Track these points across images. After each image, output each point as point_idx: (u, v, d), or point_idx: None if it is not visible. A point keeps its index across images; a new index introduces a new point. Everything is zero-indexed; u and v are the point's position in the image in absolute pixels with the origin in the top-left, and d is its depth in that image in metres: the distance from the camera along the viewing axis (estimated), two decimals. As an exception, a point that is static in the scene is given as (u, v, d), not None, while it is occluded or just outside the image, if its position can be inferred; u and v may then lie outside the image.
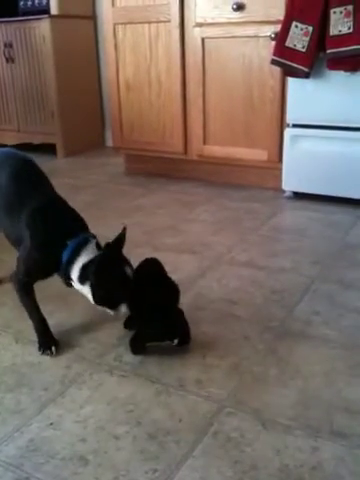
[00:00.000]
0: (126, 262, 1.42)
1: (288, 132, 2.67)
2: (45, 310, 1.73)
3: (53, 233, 1.45)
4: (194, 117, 3.02)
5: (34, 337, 1.57)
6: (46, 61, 3.78)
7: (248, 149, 2.89)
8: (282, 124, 2.74)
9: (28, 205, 1.47)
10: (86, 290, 1.41)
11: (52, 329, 1.62)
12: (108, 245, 1.37)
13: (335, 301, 1.73)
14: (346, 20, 2.30)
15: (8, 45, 3.89)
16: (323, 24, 2.38)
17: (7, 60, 3.94)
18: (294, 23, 2.44)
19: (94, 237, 1.47)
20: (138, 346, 1.48)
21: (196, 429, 1.20)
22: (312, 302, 1.73)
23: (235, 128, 2.91)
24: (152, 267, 1.50)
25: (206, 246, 2.23)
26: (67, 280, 1.46)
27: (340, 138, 2.55)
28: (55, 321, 1.66)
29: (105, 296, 1.39)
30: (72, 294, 1.81)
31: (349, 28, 2.31)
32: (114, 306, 1.40)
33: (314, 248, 2.17)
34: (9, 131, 4.16)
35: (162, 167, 3.33)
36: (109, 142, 4.15)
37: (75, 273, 1.41)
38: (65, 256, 1.41)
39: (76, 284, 1.43)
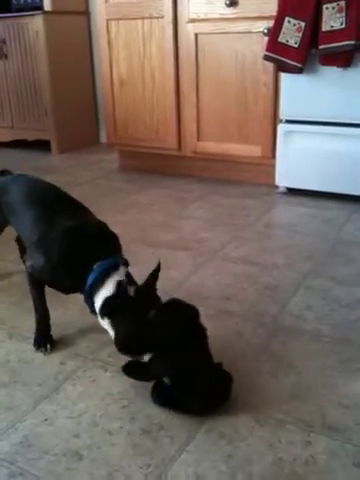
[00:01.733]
0: (155, 304, 1.27)
1: (281, 128, 2.68)
2: (39, 307, 1.73)
3: (79, 254, 1.34)
4: (188, 113, 3.02)
5: (28, 333, 1.57)
6: (39, 57, 3.77)
7: (242, 145, 2.90)
8: (275, 120, 2.75)
9: (58, 225, 1.38)
10: (106, 326, 1.31)
11: (46, 326, 1.62)
12: (138, 287, 1.28)
13: (328, 296, 1.74)
14: (338, 15, 2.31)
15: (1, 41, 3.87)
16: (316, 20, 2.38)
17: (0, 56, 3.92)
18: (287, 19, 2.44)
19: (125, 263, 1.36)
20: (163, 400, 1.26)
21: (190, 424, 1.20)
22: (305, 297, 1.74)
23: (228, 124, 2.91)
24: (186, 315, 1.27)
25: (200, 242, 2.23)
26: (91, 308, 1.35)
27: (333, 134, 2.56)
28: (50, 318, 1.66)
29: (126, 345, 1.27)
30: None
31: (341, 24, 2.32)
32: (135, 355, 1.27)
33: (307, 244, 2.18)
34: (3, 128, 4.15)
35: (156, 163, 3.33)
36: (103, 138, 4.15)
37: (97, 303, 1.31)
38: (89, 281, 1.31)
39: (98, 315, 1.33)
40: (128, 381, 1.35)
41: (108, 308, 1.28)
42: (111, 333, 1.30)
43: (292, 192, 2.79)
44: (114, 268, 1.31)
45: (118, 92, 3.23)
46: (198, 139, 3.03)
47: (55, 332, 1.58)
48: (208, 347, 1.24)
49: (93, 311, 1.35)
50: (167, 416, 1.23)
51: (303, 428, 1.18)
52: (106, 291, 1.29)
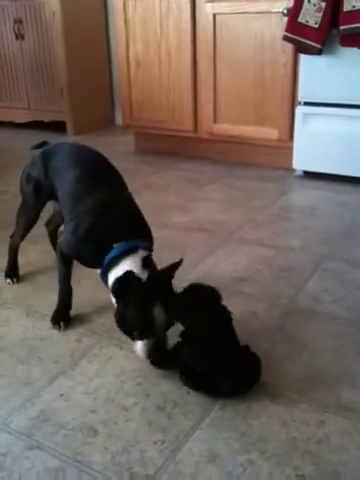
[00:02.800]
0: (164, 300, 1.24)
1: (299, 110, 2.65)
2: (55, 285, 1.74)
3: (103, 230, 1.37)
4: (204, 95, 2.99)
5: (45, 311, 1.59)
6: (56, 38, 3.75)
7: (259, 127, 2.87)
8: (293, 102, 2.71)
9: (95, 195, 1.42)
10: (114, 302, 1.33)
11: (62, 304, 1.64)
12: (150, 274, 1.27)
13: (344, 279, 1.73)
14: (360, -5, 2.26)
15: (18, 21, 3.85)
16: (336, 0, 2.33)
17: (17, 37, 3.91)
18: (307, -2, 2.40)
19: (147, 248, 1.36)
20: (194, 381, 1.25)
21: (204, 402, 1.21)
22: (321, 280, 1.73)
23: (246, 106, 2.88)
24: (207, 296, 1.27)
25: (215, 224, 2.23)
26: (105, 284, 1.37)
27: (353, 116, 2.52)
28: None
29: (122, 324, 1.29)
30: (83, 270, 1.83)
31: (364, 3, 2.27)
32: (131, 338, 1.28)
33: (324, 227, 2.16)
34: (20, 109, 4.14)
35: (172, 145, 3.32)
36: (119, 120, 4.13)
37: (109, 281, 1.33)
38: (106, 260, 1.33)
39: (110, 291, 1.34)
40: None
41: (116, 288, 1.28)
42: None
43: (309, 175, 2.76)
44: (133, 250, 1.32)
45: (134, 73, 3.21)
46: (214, 121, 3.01)
47: (72, 310, 1.60)
48: (234, 329, 1.25)
49: (106, 285, 1.38)
50: (181, 393, 1.24)
51: (317, 408, 1.18)
52: (119, 271, 1.29)
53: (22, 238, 1.76)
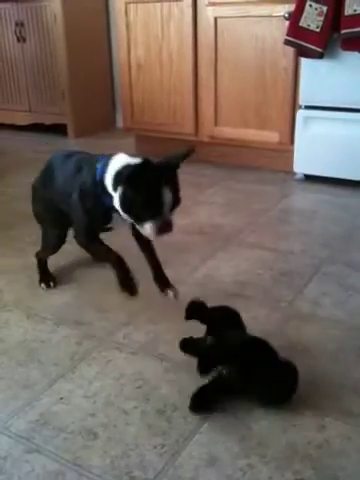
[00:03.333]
0: (168, 176, 1.32)
1: (300, 114, 2.65)
2: (56, 288, 1.76)
3: (88, 167, 1.43)
4: (205, 98, 3.00)
5: (45, 314, 1.59)
6: (57, 41, 3.76)
7: (259, 131, 2.87)
8: (294, 106, 2.72)
9: (78, 175, 1.47)
10: (116, 199, 1.33)
11: (62, 306, 1.64)
12: (147, 158, 1.31)
13: (344, 283, 1.73)
14: (362, -1, 2.26)
15: (19, 24, 3.86)
16: (338, 3, 2.33)
17: (18, 39, 3.92)
18: (308, 3, 2.40)
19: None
20: (204, 403, 1.22)
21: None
22: (321, 283, 1.73)
23: (247, 109, 2.88)
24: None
25: (216, 227, 2.23)
26: (110, 199, 1.35)
27: (353, 120, 2.52)
28: (66, 299, 1.68)
29: (130, 206, 1.31)
30: (83, 273, 1.83)
31: (365, 7, 2.27)
32: (140, 220, 1.32)
33: (324, 231, 2.16)
34: (21, 111, 4.15)
35: (173, 148, 3.30)
36: (120, 123, 4.14)
37: (109, 184, 1.34)
38: (98, 174, 1.36)
39: (113, 193, 1.34)
40: (143, 363, 1.36)
41: (123, 175, 1.29)
42: (118, 207, 1.34)
43: (310, 179, 2.76)
44: (114, 155, 1.37)
45: (135, 76, 3.21)
46: (215, 124, 3.01)
47: (70, 313, 1.60)
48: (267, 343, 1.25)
49: (112, 202, 1.36)
50: (181, 397, 1.23)
51: (317, 412, 1.18)
52: (112, 168, 1.33)
53: (48, 256, 1.80)
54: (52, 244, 1.73)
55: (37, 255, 1.80)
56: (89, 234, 1.49)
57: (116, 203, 1.34)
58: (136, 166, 1.28)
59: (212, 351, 1.26)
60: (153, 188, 1.28)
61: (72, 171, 1.49)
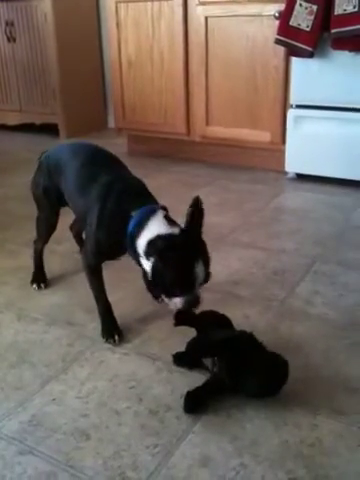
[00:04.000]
0: (201, 251, 1.27)
1: (291, 113, 2.65)
2: (48, 289, 1.75)
3: (117, 206, 1.35)
4: (197, 98, 3.00)
5: (37, 315, 1.59)
6: (48, 40, 3.75)
7: (251, 130, 2.88)
8: (285, 105, 2.72)
9: (100, 180, 1.41)
10: (148, 267, 1.28)
11: (54, 307, 1.63)
12: (184, 228, 1.26)
13: (336, 281, 1.74)
14: (351, -2, 2.27)
15: (9, 24, 3.85)
16: (328, 3, 2.34)
17: (8, 39, 3.90)
18: (298, 2, 2.41)
19: (163, 208, 1.35)
20: (197, 403, 1.21)
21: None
22: (313, 282, 1.74)
23: (238, 109, 2.89)
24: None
25: (208, 227, 2.20)
26: (135, 254, 1.32)
27: (344, 119, 2.53)
28: (58, 300, 1.68)
29: (161, 281, 1.25)
30: (75, 273, 1.83)
31: (354, 7, 2.28)
32: (168, 295, 1.27)
33: (316, 229, 2.17)
34: (11, 111, 4.13)
35: (165, 148, 3.32)
36: (112, 123, 4.13)
37: (141, 248, 1.28)
38: (130, 227, 1.30)
39: (143, 259, 1.29)
40: (136, 363, 1.36)
41: (152, 248, 1.25)
42: (149, 275, 1.29)
43: (301, 178, 2.77)
44: (153, 212, 1.30)
45: (127, 75, 3.21)
46: (207, 124, 3.01)
47: (63, 313, 1.59)
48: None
49: (137, 258, 1.32)
50: (174, 397, 1.23)
51: (309, 411, 1.18)
52: (148, 233, 1.27)
53: (44, 244, 1.76)
54: (45, 228, 1.71)
55: (35, 246, 1.78)
56: (94, 260, 1.44)
57: (146, 268, 1.29)
58: (171, 240, 1.23)
59: (197, 343, 1.28)
60: (187, 266, 1.23)
61: (98, 192, 1.40)
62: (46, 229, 1.71)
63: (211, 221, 2.32)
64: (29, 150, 3.62)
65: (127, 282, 1.74)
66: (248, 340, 1.24)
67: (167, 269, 1.23)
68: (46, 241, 1.75)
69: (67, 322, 1.55)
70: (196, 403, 1.20)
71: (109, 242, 1.38)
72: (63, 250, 2.01)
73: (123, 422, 1.17)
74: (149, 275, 1.28)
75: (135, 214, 1.31)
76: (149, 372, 1.32)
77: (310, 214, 2.33)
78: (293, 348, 1.40)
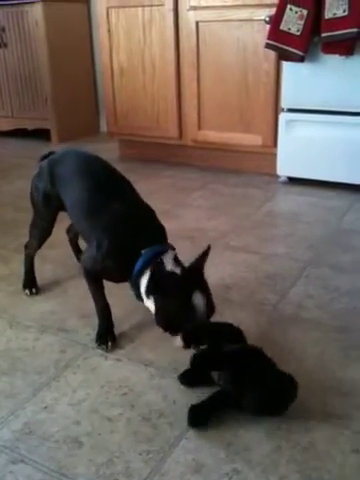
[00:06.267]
0: (202, 288, 1.27)
1: (283, 117, 2.66)
2: (40, 295, 1.74)
3: (128, 241, 1.35)
4: (188, 102, 3.00)
5: (29, 322, 1.58)
6: (39, 46, 3.75)
7: (243, 134, 2.88)
8: (277, 109, 2.73)
9: (109, 208, 1.39)
10: (150, 304, 1.31)
11: (46, 314, 1.63)
12: (185, 267, 1.29)
13: (328, 285, 1.74)
14: (341, 2, 2.28)
15: (1, 29, 3.84)
16: (318, 7, 2.35)
17: (0, 45, 3.90)
18: (289, 6, 2.42)
19: (173, 248, 1.37)
20: (202, 417, 1.19)
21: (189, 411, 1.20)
22: (305, 286, 1.74)
23: (230, 113, 2.89)
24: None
25: (201, 231, 2.23)
26: (137, 291, 1.34)
27: (335, 123, 2.54)
28: (50, 306, 1.67)
29: (163, 319, 1.27)
30: (67, 280, 1.82)
31: (344, 11, 2.29)
32: (172, 332, 1.27)
33: (308, 233, 2.17)
34: (3, 117, 4.13)
35: (157, 153, 3.32)
36: (104, 128, 4.13)
37: (143, 285, 1.31)
38: (137, 266, 1.31)
39: (143, 296, 1.32)
40: (128, 369, 1.36)
41: (153, 285, 1.27)
42: (153, 311, 1.30)
43: (293, 181, 2.78)
44: (162, 254, 1.31)
45: (118, 81, 3.21)
46: (199, 128, 3.02)
47: (54, 320, 1.59)
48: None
49: (138, 295, 1.34)
50: (167, 403, 1.23)
51: (302, 415, 1.18)
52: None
53: (36, 249, 1.73)
54: (40, 233, 1.68)
55: (25, 248, 1.75)
56: (96, 272, 1.43)
57: (148, 306, 1.32)
58: (170, 279, 1.25)
59: (203, 356, 1.25)
60: (185, 303, 1.23)
61: (108, 220, 1.38)
62: (40, 235, 1.68)
63: (203, 225, 2.34)
64: (20, 156, 3.62)
65: (119, 288, 1.73)
66: (256, 355, 1.22)
67: (167, 307, 1.25)
68: (39, 246, 1.72)
69: (59, 329, 1.54)
70: (200, 417, 1.18)
71: (114, 270, 1.39)
72: (55, 256, 2.00)
73: (115, 429, 1.16)
74: (152, 313, 1.30)
75: (145, 253, 1.32)
76: (141, 378, 1.32)
77: (302, 217, 2.34)
78: (286, 352, 1.40)
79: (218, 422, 1.17)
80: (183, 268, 1.29)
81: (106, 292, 1.58)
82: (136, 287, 1.34)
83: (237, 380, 1.17)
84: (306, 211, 2.42)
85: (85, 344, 1.47)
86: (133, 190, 1.51)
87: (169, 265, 1.29)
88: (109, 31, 3.12)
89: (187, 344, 1.25)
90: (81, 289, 1.74)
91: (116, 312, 1.60)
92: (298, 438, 1.12)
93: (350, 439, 1.11)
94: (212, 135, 2.98)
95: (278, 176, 2.82)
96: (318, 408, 1.20)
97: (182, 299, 1.23)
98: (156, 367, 1.36)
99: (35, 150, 3.77)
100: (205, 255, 1.31)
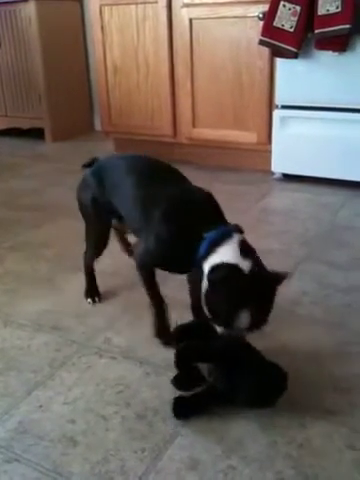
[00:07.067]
0: (261, 295, 1.17)
1: (277, 113, 2.66)
2: (35, 294, 1.74)
3: (187, 225, 1.25)
4: (183, 100, 3.00)
5: (24, 321, 1.57)
6: (32, 44, 3.73)
7: (237, 131, 2.88)
8: (271, 105, 2.73)
9: (163, 194, 1.31)
10: (203, 287, 1.21)
11: (41, 313, 1.62)
12: (256, 265, 1.18)
13: (323, 281, 1.74)
14: (334, -1, 2.28)
15: (-7, 28, 3.83)
16: (311, 3, 2.35)
17: (-7, 43, 3.88)
18: (282, 3, 2.41)
19: (240, 231, 1.26)
20: (186, 406, 1.19)
21: (184, 409, 1.20)
22: (300, 282, 1.74)
23: (224, 110, 2.89)
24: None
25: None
26: (200, 277, 1.23)
27: (329, 119, 2.54)
28: (45, 305, 1.66)
29: (213, 310, 1.18)
30: (62, 278, 1.82)
31: (337, 7, 2.29)
32: (218, 322, 1.20)
33: (303, 229, 2.17)
34: (-3, 116, 4.11)
35: (151, 151, 3.30)
36: (98, 126, 4.12)
37: (206, 268, 1.20)
38: (202, 250, 1.21)
39: (204, 282, 1.21)
40: (123, 367, 1.35)
41: (215, 277, 1.16)
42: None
43: (288, 178, 2.78)
44: (227, 236, 1.21)
45: (112, 79, 3.20)
46: (193, 125, 3.01)
47: (49, 318, 1.58)
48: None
49: (200, 279, 1.23)
50: (162, 401, 1.23)
51: (298, 411, 1.18)
52: (215, 259, 1.18)
53: (93, 259, 1.65)
54: (94, 241, 1.60)
55: (84, 259, 1.67)
56: (150, 266, 1.37)
57: (202, 290, 1.21)
58: (232, 273, 1.14)
59: (189, 349, 1.25)
60: (235, 305, 1.13)
61: (164, 206, 1.29)
62: (95, 244, 1.60)
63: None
64: (14, 155, 3.61)
65: (113, 286, 1.73)
66: (244, 348, 1.22)
67: (216, 299, 1.16)
68: (96, 255, 1.63)
69: (54, 327, 1.54)
70: (184, 407, 1.18)
71: (173, 259, 1.30)
72: (51, 254, 2.00)
73: (110, 427, 1.16)
74: (202, 297, 1.22)
75: (208, 236, 1.21)
76: (137, 376, 1.32)
77: (297, 214, 2.34)
78: (281, 348, 1.39)
79: (213, 418, 1.17)
80: (253, 266, 1.17)
81: (103, 290, 1.59)
82: (200, 272, 1.22)
83: (226, 373, 1.17)
84: (301, 207, 2.42)
85: (80, 343, 1.46)
86: (184, 178, 1.44)
87: (237, 254, 1.17)
88: (102, 29, 3.11)
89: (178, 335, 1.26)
90: (75, 288, 1.75)
91: (111, 310, 1.61)
92: (294, 434, 1.12)
93: (346, 435, 1.11)
94: (207, 133, 2.98)
95: (273, 173, 2.82)
96: (313, 404, 1.20)
97: (229, 304, 1.14)
98: (151, 365, 1.35)
99: (29, 149, 3.77)
100: (282, 278, 1.20)
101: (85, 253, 1.66)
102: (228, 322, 1.16)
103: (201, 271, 1.22)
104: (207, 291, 1.18)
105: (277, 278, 1.19)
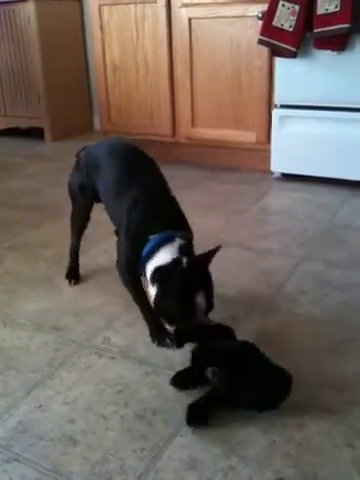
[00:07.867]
0: (204, 284, 1.27)
1: (276, 113, 2.66)
2: (34, 293, 1.74)
3: (142, 226, 1.35)
4: (182, 99, 3.00)
5: (23, 320, 1.57)
6: (31, 44, 3.73)
7: (236, 131, 2.88)
8: (270, 105, 2.73)
9: (131, 193, 1.40)
10: (152, 292, 1.30)
11: (41, 312, 1.62)
12: (190, 259, 1.26)
13: (322, 280, 1.74)
14: (333, -2, 2.28)
15: (-8, 28, 3.82)
16: (310, 3, 2.36)
17: (-8, 43, 3.88)
18: (281, 2, 2.42)
19: (184, 237, 1.34)
20: (201, 416, 1.17)
21: (184, 408, 1.20)
22: (299, 282, 1.74)
23: (223, 110, 2.89)
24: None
25: (195, 228, 2.20)
26: (145, 278, 1.34)
27: (328, 118, 2.54)
28: (44, 304, 1.66)
29: (161, 309, 1.28)
30: (61, 278, 1.82)
31: (336, 7, 2.29)
32: (169, 322, 1.28)
33: (302, 229, 2.17)
34: (-4, 116, 4.11)
35: (150, 150, 3.25)
36: (97, 126, 4.12)
37: (148, 272, 1.30)
38: (144, 251, 1.31)
39: (149, 285, 1.31)
40: (122, 367, 1.36)
41: (157, 275, 1.27)
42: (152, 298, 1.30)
43: (287, 177, 2.78)
44: (169, 240, 1.30)
45: (111, 78, 3.20)
46: (192, 125, 3.02)
47: (49, 318, 1.58)
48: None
49: (145, 281, 1.35)
50: (161, 400, 1.23)
51: (296, 410, 1.18)
52: (157, 261, 1.28)
53: (78, 240, 1.77)
54: (74, 226, 1.74)
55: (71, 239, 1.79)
56: (126, 265, 1.42)
57: (150, 293, 1.31)
58: (173, 269, 1.24)
59: (203, 350, 1.25)
60: (185, 295, 1.23)
61: (127, 204, 1.39)
62: (78, 225, 1.73)
63: (197, 222, 2.32)
64: (13, 155, 3.61)
65: (112, 285, 1.73)
66: (250, 350, 1.22)
67: (166, 297, 1.25)
68: (79, 237, 1.76)
69: (54, 327, 1.54)
70: (199, 416, 1.17)
71: (132, 257, 1.37)
72: (50, 254, 2.00)
73: (110, 427, 1.16)
74: (151, 301, 1.30)
75: (153, 238, 1.31)
76: (136, 376, 1.32)
77: (296, 214, 2.34)
78: (280, 347, 1.40)
79: (212, 418, 1.17)
80: (189, 260, 1.26)
81: (102, 289, 1.58)
82: (143, 274, 1.33)
83: (231, 376, 1.17)
84: (300, 207, 2.42)
85: (80, 342, 1.47)
86: (159, 175, 1.55)
87: (174, 254, 1.27)
88: (102, 28, 3.11)
89: (179, 340, 1.25)
90: (74, 287, 1.75)
91: (110, 309, 1.61)
92: (293, 433, 1.12)
93: (344, 434, 1.12)
94: (206, 132, 2.98)
95: (272, 172, 2.82)
96: (312, 403, 1.21)
97: (182, 293, 1.23)
98: (150, 364, 1.36)
99: (28, 149, 3.76)
100: (214, 252, 1.30)
101: (71, 237, 1.77)
102: (188, 310, 1.22)
103: (144, 272, 1.32)
104: (156, 292, 1.27)
105: (211, 253, 1.29)
